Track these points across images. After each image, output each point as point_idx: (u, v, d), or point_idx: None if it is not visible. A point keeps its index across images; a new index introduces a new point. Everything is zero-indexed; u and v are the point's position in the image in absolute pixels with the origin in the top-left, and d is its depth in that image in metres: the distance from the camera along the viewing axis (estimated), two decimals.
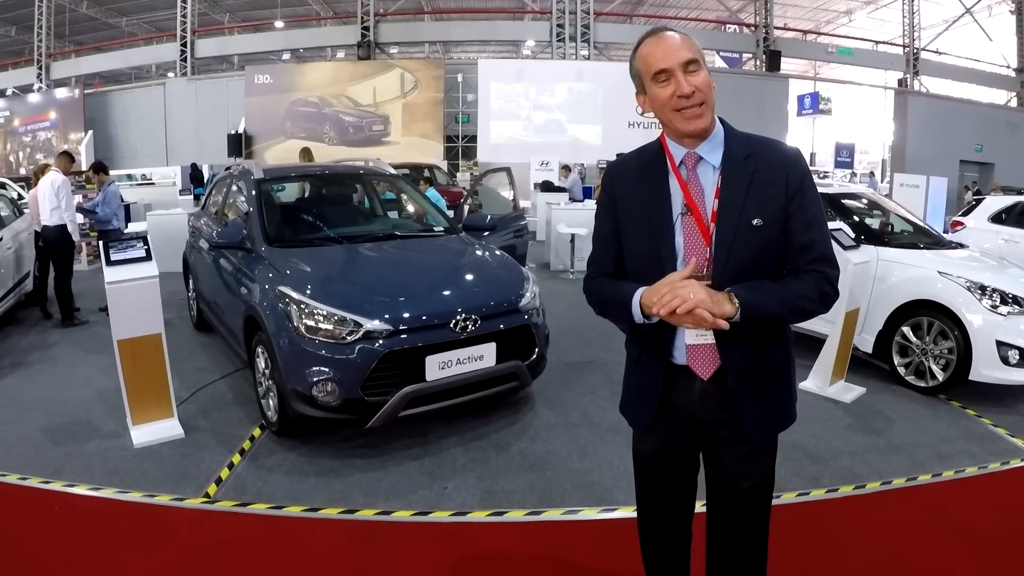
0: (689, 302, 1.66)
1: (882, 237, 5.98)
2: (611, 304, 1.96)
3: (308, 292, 4.05)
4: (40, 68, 25.98)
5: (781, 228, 1.81)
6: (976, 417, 4.85)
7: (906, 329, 5.37)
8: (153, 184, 18.64)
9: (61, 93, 25.10)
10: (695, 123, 1.79)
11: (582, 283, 2.10)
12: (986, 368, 4.92)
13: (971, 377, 4.97)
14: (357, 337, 3.83)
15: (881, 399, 5.14)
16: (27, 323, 7.50)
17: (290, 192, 6.24)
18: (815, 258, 1.82)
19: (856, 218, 6.18)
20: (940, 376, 5.16)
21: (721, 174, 1.83)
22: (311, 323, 3.89)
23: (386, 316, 3.90)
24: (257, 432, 4.44)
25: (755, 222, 1.79)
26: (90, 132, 23.34)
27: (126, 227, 11.02)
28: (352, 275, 4.57)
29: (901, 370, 5.40)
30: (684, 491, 2.10)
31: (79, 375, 5.62)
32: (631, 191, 1.93)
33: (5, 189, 14.16)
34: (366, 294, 4.13)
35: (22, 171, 18.10)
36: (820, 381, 5.25)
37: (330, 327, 3.86)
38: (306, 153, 12.23)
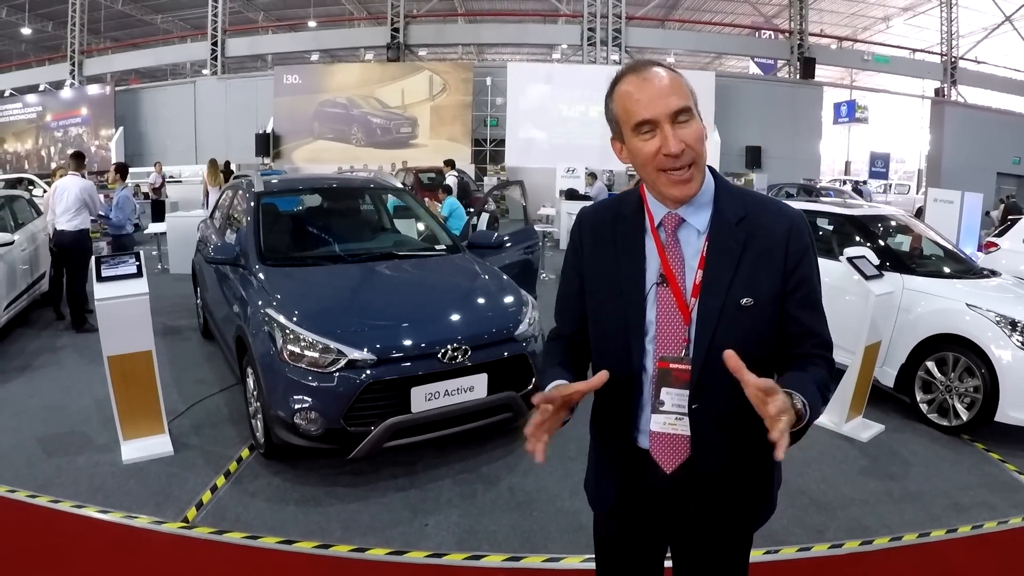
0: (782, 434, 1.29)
1: (908, 264, 5.70)
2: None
3: (295, 317, 3.94)
4: (73, 64, 26.48)
5: (776, 308, 1.56)
6: (1000, 462, 4.59)
7: (930, 364, 5.10)
8: (180, 183, 18.82)
9: (93, 89, 25.56)
10: (681, 189, 1.52)
11: None
12: (1013, 409, 4.64)
13: (997, 418, 4.70)
14: (340, 366, 3.72)
15: (900, 438, 4.89)
16: (39, 324, 7.52)
17: (290, 206, 6.13)
18: (820, 343, 1.60)
19: (881, 243, 5.91)
20: (964, 415, 4.89)
21: (708, 240, 1.56)
22: (295, 349, 3.78)
23: (371, 345, 3.78)
24: (246, 453, 4.35)
25: (744, 301, 1.53)
26: (120, 128, 23.70)
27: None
28: (341, 299, 4.44)
29: (923, 407, 5.14)
30: None
31: (81, 382, 5.60)
32: (602, 248, 1.67)
33: (32, 186, 14.44)
34: (353, 321, 4.02)
35: (52, 165, 18.37)
36: (836, 417, 5.01)
37: (314, 355, 3.74)
38: (213, 165, 12.37)
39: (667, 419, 1.60)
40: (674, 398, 1.58)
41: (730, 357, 1.33)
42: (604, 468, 1.77)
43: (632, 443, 1.69)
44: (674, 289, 1.57)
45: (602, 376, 1.49)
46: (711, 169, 1.63)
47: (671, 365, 1.56)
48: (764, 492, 1.73)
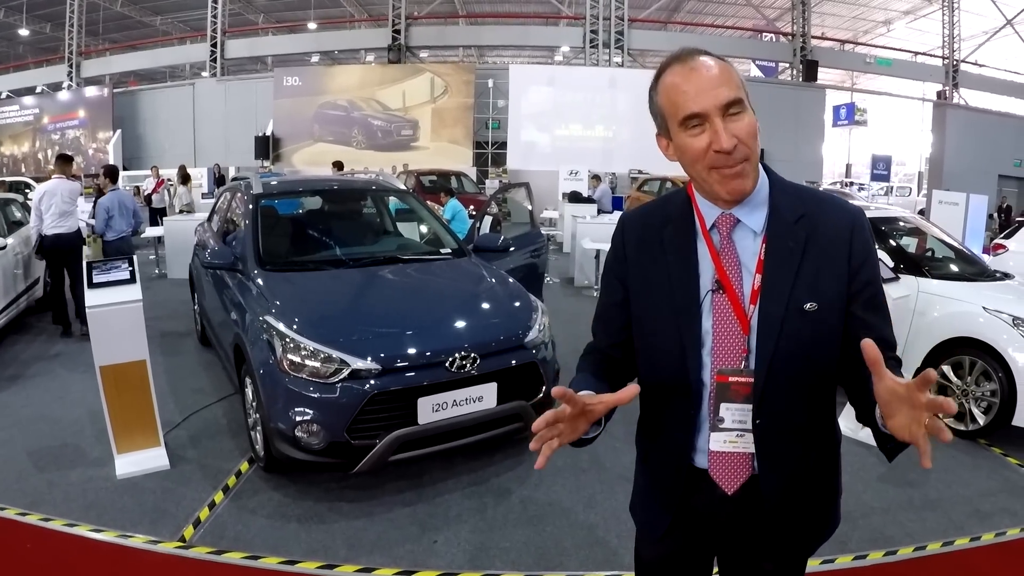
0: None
1: (922, 266, 5.58)
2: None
3: (295, 325, 3.78)
4: (71, 66, 26.38)
5: (841, 312, 1.43)
6: (1018, 467, 4.49)
7: (946, 368, 4.99)
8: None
9: (90, 91, 25.52)
10: (734, 184, 1.39)
11: None
12: None
13: (1015, 422, 4.58)
14: (343, 377, 3.56)
15: None
16: (34, 331, 7.38)
17: (290, 209, 5.98)
18: (889, 346, 1.45)
19: (894, 244, 5.78)
20: (981, 420, 4.78)
21: (765, 242, 1.44)
22: (295, 359, 3.63)
23: (376, 354, 3.63)
24: (245, 466, 4.20)
25: (808, 306, 1.41)
26: (118, 131, 23.56)
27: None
28: (344, 306, 4.29)
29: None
30: None
31: (75, 391, 5.45)
32: (650, 255, 1.54)
33: (29, 189, 14.29)
34: (356, 328, 3.86)
35: (49, 168, 18.24)
36: (853, 423, 4.84)
37: (315, 365, 3.59)
38: (182, 170, 13.80)
39: (728, 436, 1.48)
40: (735, 414, 1.46)
41: (868, 347, 1.14)
42: (657, 491, 1.64)
43: (689, 463, 1.55)
44: (731, 296, 1.45)
45: (632, 390, 1.33)
46: (764, 165, 1.50)
47: (731, 378, 1.44)
48: (829, 506, 1.63)
